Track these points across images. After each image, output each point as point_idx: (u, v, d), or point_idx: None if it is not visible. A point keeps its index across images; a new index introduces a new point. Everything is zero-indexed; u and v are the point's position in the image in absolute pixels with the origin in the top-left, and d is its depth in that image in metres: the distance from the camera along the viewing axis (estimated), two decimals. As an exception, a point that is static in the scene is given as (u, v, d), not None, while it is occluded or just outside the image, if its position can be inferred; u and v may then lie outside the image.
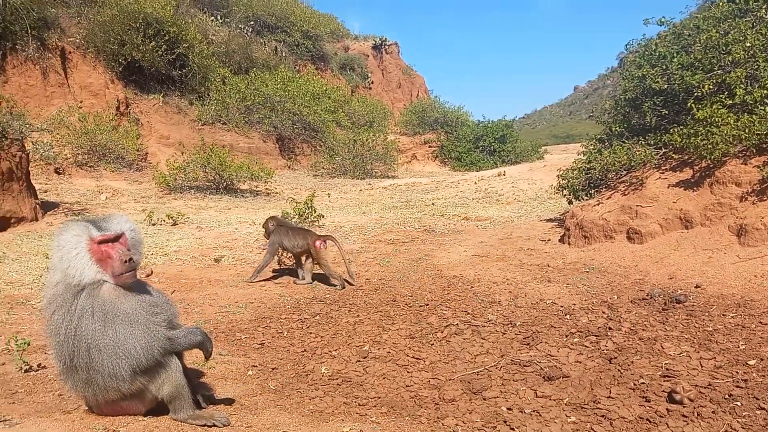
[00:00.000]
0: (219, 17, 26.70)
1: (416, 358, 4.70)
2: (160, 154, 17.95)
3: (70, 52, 17.67)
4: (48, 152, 12.93)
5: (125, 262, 3.03)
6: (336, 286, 6.84)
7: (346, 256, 7.17)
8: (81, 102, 17.02)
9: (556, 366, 4.34)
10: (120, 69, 18.44)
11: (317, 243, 6.91)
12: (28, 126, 11.21)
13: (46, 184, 13.63)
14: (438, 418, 3.66)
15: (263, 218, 11.51)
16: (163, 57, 19.05)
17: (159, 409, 3.24)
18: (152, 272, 7.09)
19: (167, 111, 19.55)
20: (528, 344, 4.91)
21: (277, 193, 16.88)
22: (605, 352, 4.61)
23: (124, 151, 16.28)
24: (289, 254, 7.52)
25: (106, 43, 17.99)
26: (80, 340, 2.95)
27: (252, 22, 28.39)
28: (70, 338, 2.96)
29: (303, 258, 7.14)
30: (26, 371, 4.05)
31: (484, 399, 3.91)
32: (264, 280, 7.02)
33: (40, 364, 4.20)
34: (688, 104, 7.58)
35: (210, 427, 3.17)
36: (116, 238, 3.08)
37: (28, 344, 4.20)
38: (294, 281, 7.10)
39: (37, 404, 3.51)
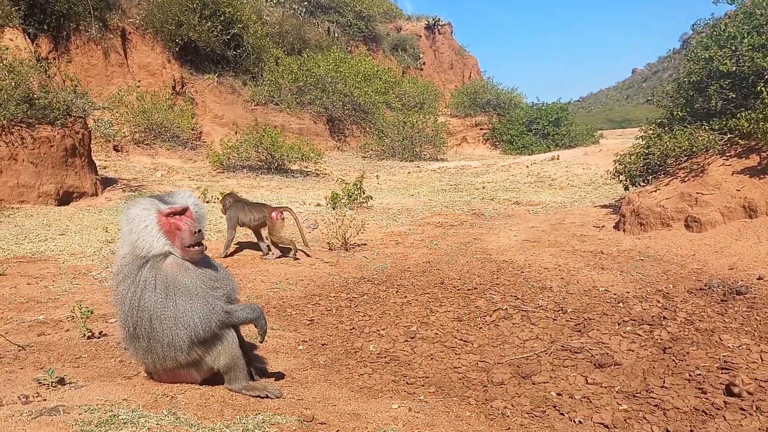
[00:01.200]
0: (273, -2, 26.93)
1: (464, 341, 4.69)
2: (214, 133, 18.34)
3: (129, 33, 18.17)
4: (108, 130, 13.39)
5: (195, 233, 3.12)
6: (289, 256, 7.03)
7: (302, 225, 7.41)
8: (139, 81, 17.53)
9: (607, 353, 4.27)
10: (176, 49, 18.87)
11: (273, 214, 7.07)
12: (90, 104, 11.62)
13: (105, 160, 14.13)
14: (486, 400, 3.66)
15: (313, 198, 11.67)
16: (218, 37, 19.38)
17: (214, 379, 3.34)
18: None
19: (221, 91, 19.92)
20: (579, 331, 4.83)
21: (326, 173, 17.03)
22: (659, 341, 4.49)
23: (179, 130, 16.71)
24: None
25: (164, 23, 18.41)
26: (143, 310, 3.06)
27: (305, 3, 28.54)
28: (134, 308, 3.07)
29: (262, 232, 7.29)
30: (89, 338, 4.23)
31: (533, 383, 3.88)
32: (312, 260, 7.11)
33: (101, 331, 4.39)
34: (758, 88, 7.23)
35: (263, 398, 3.25)
36: (183, 211, 3.17)
37: (91, 312, 4.38)
38: (262, 257, 7.19)
39: (100, 369, 3.66)
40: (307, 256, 7.24)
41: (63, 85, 12.52)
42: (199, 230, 3.15)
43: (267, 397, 3.26)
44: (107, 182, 11.95)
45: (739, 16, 8.53)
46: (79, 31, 16.64)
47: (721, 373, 3.87)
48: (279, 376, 3.76)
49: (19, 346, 3.96)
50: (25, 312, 4.91)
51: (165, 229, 3.09)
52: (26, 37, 14.92)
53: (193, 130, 17.37)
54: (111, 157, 14.82)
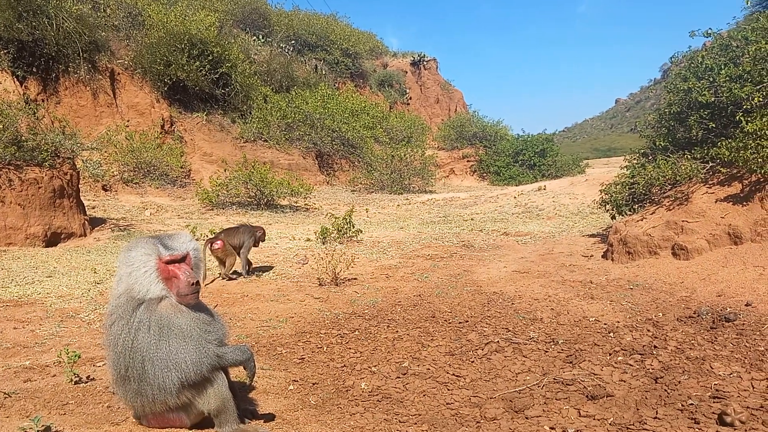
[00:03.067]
0: (261, 37, 27.37)
1: (456, 376, 4.66)
2: (203, 170, 18.40)
3: (118, 74, 18.34)
4: (97, 170, 13.42)
5: (192, 284, 3.14)
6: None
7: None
8: (128, 121, 17.63)
9: (599, 385, 4.25)
10: (165, 89, 19.06)
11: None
12: (79, 145, 11.66)
13: (94, 200, 14.11)
14: (479, 436, 3.62)
15: (303, 233, 11.67)
16: (206, 76, 19.61)
17: (204, 422, 3.30)
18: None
19: (210, 129, 20.06)
20: (571, 362, 4.82)
21: (316, 208, 17.07)
22: (651, 371, 4.49)
23: (168, 168, 16.77)
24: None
25: (152, 63, 18.62)
26: (135, 351, 3.04)
27: (293, 41, 28.99)
28: (126, 349, 3.05)
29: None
30: (76, 383, 4.17)
31: (527, 418, 3.85)
32: (302, 296, 7.08)
33: (89, 376, 4.33)
34: (737, 117, 7.39)
35: (253, 441, 3.22)
36: (183, 258, 3.18)
37: (79, 357, 4.32)
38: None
39: (87, 415, 3.61)
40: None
41: (51, 126, 12.58)
42: (197, 281, 3.18)
43: (258, 440, 3.23)
44: (96, 222, 11.91)
45: (715, 48, 8.78)
46: (68, 73, 16.79)
47: (713, 402, 3.87)
48: (269, 417, 3.72)
49: (4, 393, 3.90)
50: (11, 357, 4.83)
51: (163, 275, 3.10)
52: (15, 79, 15.04)
53: (182, 168, 17.44)
54: (100, 196, 14.81)
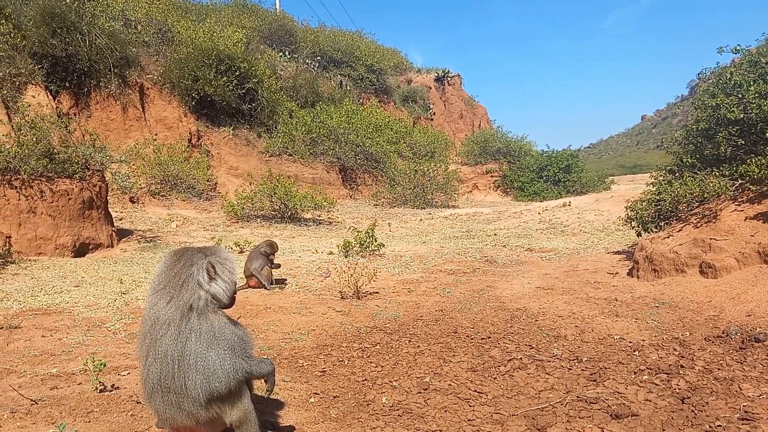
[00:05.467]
0: (287, 53, 27.78)
1: (478, 392, 4.62)
2: (229, 184, 18.63)
3: (147, 88, 18.74)
4: (125, 182, 13.68)
5: (235, 293, 3.27)
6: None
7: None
8: (156, 135, 17.97)
9: (624, 404, 4.18)
10: (193, 103, 19.40)
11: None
12: (108, 158, 11.92)
13: (121, 212, 14.37)
14: (500, 453, 3.58)
15: (326, 246, 11.73)
16: (233, 91, 19.92)
17: (225, 433, 3.32)
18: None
19: (236, 143, 20.34)
20: (595, 380, 4.75)
21: (339, 222, 17.14)
22: (677, 391, 4.40)
23: (195, 181, 17.02)
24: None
25: (180, 78, 18.99)
26: (184, 360, 3.07)
27: (318, 58, 29.35)
28: (175, 359, 3.07)
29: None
30: (101, 391, 4.23)
31: (549, 436, 3.80)
32: (324, 309, 7.11)
33: (114, 384, 4.39)
34: (767, 134, 7.26)
35: (274, 452, 3.22)
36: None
37: (104, 365, 4.39)
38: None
39: (111, 423, 3.65)
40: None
41: (82, 139, 12.87)
42: (236, 292, 3.30)
43: (278, 451, 3.23)
44: (123, 233, 12.12)
45: (744, 64, 8.66)
46: (99, 88, 17.22)
47: (742, 423, 3.77)
48: (290, 429, 3.73)
49: (31, 400, 3.97)
50: (38, 365, 4.93)
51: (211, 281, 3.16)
52: (48, 93, 15.44)
53: (208, 181, 17.69)
54: (127, 208, 15.07)
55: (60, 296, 7.36)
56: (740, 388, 4.33)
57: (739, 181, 7.77)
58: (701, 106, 8.89)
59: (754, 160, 7.37)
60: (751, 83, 7.94)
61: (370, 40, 36.38)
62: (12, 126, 11.62)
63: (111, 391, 4.27)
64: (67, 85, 16.59)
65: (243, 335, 3.28)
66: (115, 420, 3.72)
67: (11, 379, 4.55)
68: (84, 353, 5.18)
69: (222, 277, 3.19)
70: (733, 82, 8.28)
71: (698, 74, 10.33)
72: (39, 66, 15.42)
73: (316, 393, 4.52)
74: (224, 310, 3.26)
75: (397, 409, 4.27)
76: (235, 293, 3.29)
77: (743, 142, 7.98)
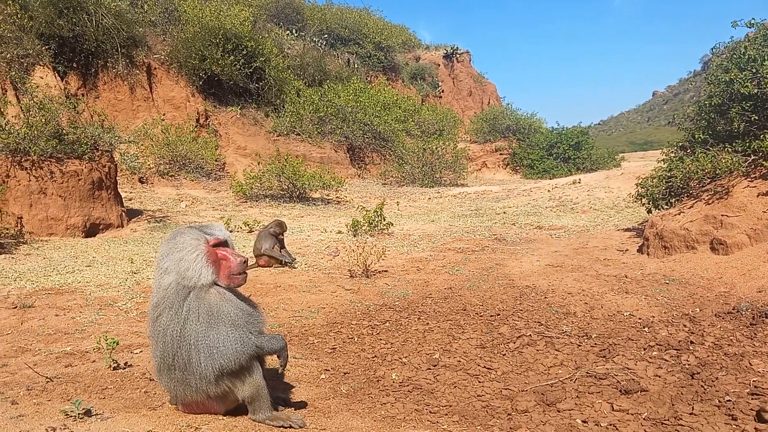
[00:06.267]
0: (294, 31, 27.57)
1: (488, 368, 4.64)
2: (237, 164, 18.64)
3: (155, 68, 18.69)
4: (134, 163, 13.72)
5: (243, 262, 3.23)
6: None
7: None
8: (164, 115, 17.96)
9: (633, 379, 4.19)
10: (200, 83, 19.34)
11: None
12: (117, 138, 11.93)
13: (131, 192, 14.43)
14: (511, 428, 3.61)
15: (335, 226, 11.75)
16: (241, 71, 19.82)
17: (237, 410, 3.36)
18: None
19: (244, 123, 20.30)
20: (604, 357, 4.76)
21: (347, 201, 17.15)
22: (687, 366, 4.40)
23: (203, 161, 17.03)
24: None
25: (188, 58, 18.91)
26: (183, 340, 3.09)
27: (326, 35, 29.11)
28: (175, 338, 3.10)
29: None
30: (115, 369, 4.29)
31: (558, 411, 3.82)
32: (334, 288, 7.14)
33: (127, 362, 4.44)
34: (780, 108, 7.16)
35: (286, 428, 3.26)
36: (225, 243, 3.28)
37: (117, 343, 4.45)
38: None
39: (125, 400, 3.71)
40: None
41: (91, 120, 12.89)
42: (246, 260, 3.26)
43: (290, 427, 3.27)
44: (133, 214, 12.18)
45: (758, 38, 8.50)
46: (107, 68, 17.19)
47: (752, 398, 3.78)
48: (301, 405, 3.77)
49: (47, 377, 4.03)
50: (52, 343, 5.00)
51: (212, 259, 3.16)
52: (56, 74, 15.45)
53: (216, 161, 17.70)
54: (136, 189, 15.13)
55: (72, 276, 7.43)
56: (750, 364, 4.32)
57: (752, 157, 7.69)
58: (714, 81, 8.76)
59: (767, 136, 7.27)
60: (766, 58, 7.80)
61: (378, 17, 36.00)
62: (21, 107, 11.65)
63: (124, 368, 4.32)
64: (74, 65, 16.56)
65: (251, 311, 3.30)
66: (129, 397, 3.78)
67: (26, 357, 4.62)
68: (97, 332, 5.24)
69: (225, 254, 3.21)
70: (747, 57, 8.14)
71: (712, 49, 10.19)
72: (46, 47, 15.41)
73: (326, 369, 4.56)
74: (236, 287, 3.28)
75: (407, 385, 4.30)
76: (245, 271, 3.29)
77: (757, 118, 7.87)
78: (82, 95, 16.30)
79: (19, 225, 9.51)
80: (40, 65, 14.85)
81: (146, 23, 18.99)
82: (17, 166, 9.79)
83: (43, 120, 10.38)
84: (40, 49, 14.83)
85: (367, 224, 10.79)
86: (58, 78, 15.60)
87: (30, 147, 9.90)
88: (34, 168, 9.93)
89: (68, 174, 10.27)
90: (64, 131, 10.67)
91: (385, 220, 10.96)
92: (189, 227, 3.27)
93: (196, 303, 3.09)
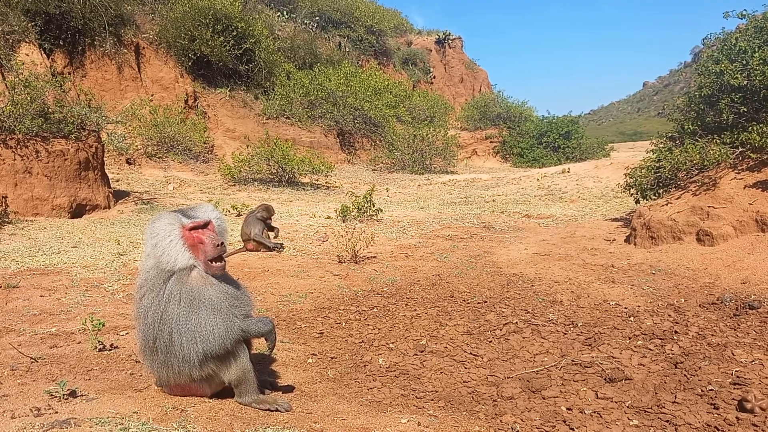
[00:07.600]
0: (285, 13, 27.24)
1: (474, 355, 4.67)
2: (226, 146, 18.51)
3: (143, 48, 18.43)
4: (121, 143, 13.57)
5: (217, 246, 3.17)
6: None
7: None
8: (152, 95, 17.73)
9: (618, 368, 4.23)
10: (189, 64, 19.10)
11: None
12: (104, 118, 11.78)
13: (118, 173, 14.29)
14: (496, 414, 3.64)
15: (324, 211, 11.72)
16: (230, 52, 19.59)
17: (224, 392, 3.36)
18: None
19: (233, 105, 20.11)
20: (589, 345, 4.80)
21: (336, 186, 17.11)
22: (671, 356, 4.46)
23: (192, 143, 16.88)
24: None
25: (177, 38, 18.66)
26: (164, 323, 3.09)
27: (317, 18, 28.80)
28: (156, 321, 3.10)
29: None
30: (100, 350, 4.27)
31: (543, 398, 3.86)
32: (322, 273, 7.13)
33: (112, 344, 4.42)
34: (769, 101, 7.20)
35: (272, 411, 3.26)
36: (205, 225, 3.23)
37: (103, 325, 4.42)
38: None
39: (111, 381, 3.69)
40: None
41: (77, 99, 12.70)
42: (222, 243, 3.20)
43: (276, 410, 3.28)
44: (120, 195, 12.07)
45: (749, 30, 8.52)
46: (94, 47, 16.92)
47: (734, 388, 3.83)
48: (288, 389, 3.77)
49: (31, 358, 4.00)
50: (37, 324, 4.96)
51: (189, 243, 3.13)
52: (42, 52, 15.18)
53: (205, 143, 17.54)
54: (123, 170, 14.99)
55: (58, 257, 7.36)
56: (733, 354, 4.38)
57: (740, 149, 7.74)
58: (704, 72, 8.79)
59: (755, 128, 7.33)
60: (756, 49, 7.83)
61: (369, 1, 35.66)
62: (6, 84, 11.45)
63: (110, 350, 4.30)
64: (61, 43, 16.27)
65: (237, 293, 3.29)
66: (114, 378, 3.76)
67: (11, 337, 4.58)
68: (82, 313, 5.20)
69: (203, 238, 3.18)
70: (737, 48, 8.17)
71: (703, 39, 10.19)
72: (32, 23, 15.11)
73: (314, 354, 4.57)
74: (213, 275, 3.24)
75: (394, 371, 4.32)
76: (221, 256, 3.23)
77: (746, 110, 7.92)
78: (69, 74, 16.04)
79: (3, 204, 9.39)
80: (26, 42, 14.57)
81: (134, 1, 18.68)
82: (2, 145, 9.65)
83: (29, 98, 10.21)
84: (25, 25, 14.55)
85: (356, 210, 10.77)
86: (44, 56, 15.33)
87: (15, 125, 9.75)
88: (19, 147, 9.79)
89: (54, 153, 10.14)
90: (50, 110, 10.51)
91: (374, 206, 10.94)
92: (169, 211, 3.25)
93: (177, 286, 3.08)
